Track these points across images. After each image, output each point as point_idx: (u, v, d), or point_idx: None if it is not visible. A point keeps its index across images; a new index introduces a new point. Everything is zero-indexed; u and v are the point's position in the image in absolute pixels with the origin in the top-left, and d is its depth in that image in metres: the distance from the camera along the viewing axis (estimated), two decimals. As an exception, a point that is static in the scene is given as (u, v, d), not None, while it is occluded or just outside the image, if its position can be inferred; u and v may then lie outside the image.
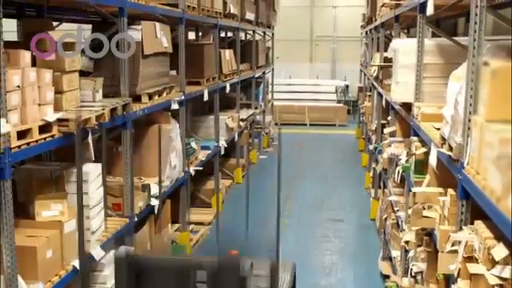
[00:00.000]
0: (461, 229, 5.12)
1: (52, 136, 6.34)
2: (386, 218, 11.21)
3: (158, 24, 9.66)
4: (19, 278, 5.75)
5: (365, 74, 21.80)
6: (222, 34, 19.13)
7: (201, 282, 4.75)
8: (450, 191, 5.69)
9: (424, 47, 7.79)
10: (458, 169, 5.09)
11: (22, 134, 5.79)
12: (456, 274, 4.87)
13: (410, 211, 7.13)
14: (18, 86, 5.82)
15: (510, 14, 7.68)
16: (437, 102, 7.27)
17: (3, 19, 5.33)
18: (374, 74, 14.29)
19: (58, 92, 6.75)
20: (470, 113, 4.91)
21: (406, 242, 7.87)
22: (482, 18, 4.88)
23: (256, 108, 21.11)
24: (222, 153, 15.19)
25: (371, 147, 15.08)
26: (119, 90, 8.42)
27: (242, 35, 19.41)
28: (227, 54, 15.92)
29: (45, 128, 6.22)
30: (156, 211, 9.78)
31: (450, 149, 5.36)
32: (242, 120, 17.98)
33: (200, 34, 17.34)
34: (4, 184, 5.50)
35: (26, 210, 6.88)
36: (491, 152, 4.05)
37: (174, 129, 10.64)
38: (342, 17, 33.67)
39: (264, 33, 22.95)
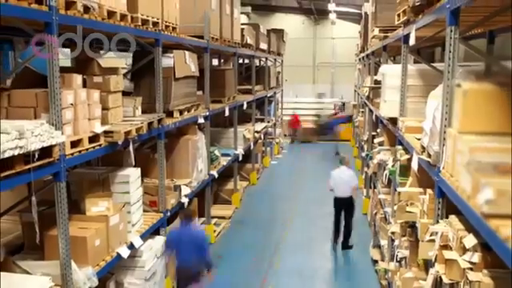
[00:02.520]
0: (438, 222, 5.09)
1: (99, 145, 6.38)
2: (375, 213, 11.17)
3: (187, 52, 9.68)
4: (72, 263, 5.78)
5: (358, 94, 21.72)
6: (240, 61, 19.16)
7: None
8: (429, 191, 5.66)
9: (407, 72, 7.75)
10: (436, 172, 5.06)
11: (74, 144, 5.82)
12: (433, 259, 4.83)
13: (395, 207, 7.09)
14: (72, 104, 5.85)
15: (478, 44, 7.64)
16: (418, 116, 7.22)
17: (60, 48, 5.38)
18: (366, 94, 14.25)
19: (105, 109, 6.79)
20: (445, 126, 4.88)
21: (392, 233, 7.84)
22: (455, 48, 4.87)
23: (268, 122, 21.15)
24: (240, 159, 15.16)
25: (363, 154, 15.02)
26: (155, 107, 8.44)
27: (256, 62, 19.42)
28: (244, 77, 15.95)
29: (93, 138, 6.26)
30: (185, 207, 9.78)
31: (429, 156, 5.33)
32: (257, 132, 17.95)
33: (222, 60, 17.39)
34: (60, 185, 5.54)
35: (78, 206, 6.92)
36: (462, 158, 4.02)
37: (200, 139, 10.65)
38: (340, 46, 33.59)
39: (275, 59, 22.96)
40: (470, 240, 4.04)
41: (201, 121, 10.68)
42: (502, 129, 4.23)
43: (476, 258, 3.95)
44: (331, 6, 27.53)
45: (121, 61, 8.01)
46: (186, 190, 9.67)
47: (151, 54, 8.39)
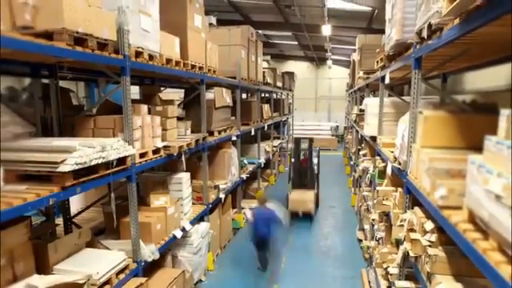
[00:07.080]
0: (405, 212, 5.03)
1: (160, 156, 6.42)
2: (360, 205, 11.06)
3: (224, 89, 9.73)
4: (140, 241, 5.80)
5: (348, 119, 21.60)
6: (263, 95, 19.18)
7: None
8: (399, 189, 5.62)
9: (383, 103, 7.69)
10: (404, 176, 5.01)
11: (142, 155, 5.86)
12: (403, 239, 4.79)
13: (375, 201, 7.02)
14: (140, 126, 5.91)
15: (435, 83, 7.57)
16: (391, 135, 7.16)
17: (131, 86, 5.44)
18: (354, 119, 14.18)
19: (164, 129, 6.84)
20: (411, 142, 4.84)
21: (373, 220, 7.76)
22: (418, 85, 4.84)
23: (283, 139, 21.10)
24: (262, 166, 15.13)
25: (352, 162, 14.92)
26: (200, 129, 8.48)
27: (274, 95, 19.43)
28: (266, 106, 15.94)
29: (156, 151, 6.30)
30: (222, 201, 9.78)
31: (399, 164, 5.28)
32: (274, 146, 17.93)
33: (249, 94, 17.44)
34: (131, 185, 5.59)
35: (144, 200, 6.96)
36: (423, 166, 3.99)
37: (233, 152, 10.66)
38: (335, 84, 33.61)
39: (287, 94, 22.96)
40: (429, 225, 4.03)
41: (234, 138, 10.69)
42: (452, 144, 4.21)
43: (433, 238, 3.96)
44: (328, 55, 27.61)
45: (176, 95, 8.06)
46: (222, 189, 9.67)
47: (198, 90, 8.44)
